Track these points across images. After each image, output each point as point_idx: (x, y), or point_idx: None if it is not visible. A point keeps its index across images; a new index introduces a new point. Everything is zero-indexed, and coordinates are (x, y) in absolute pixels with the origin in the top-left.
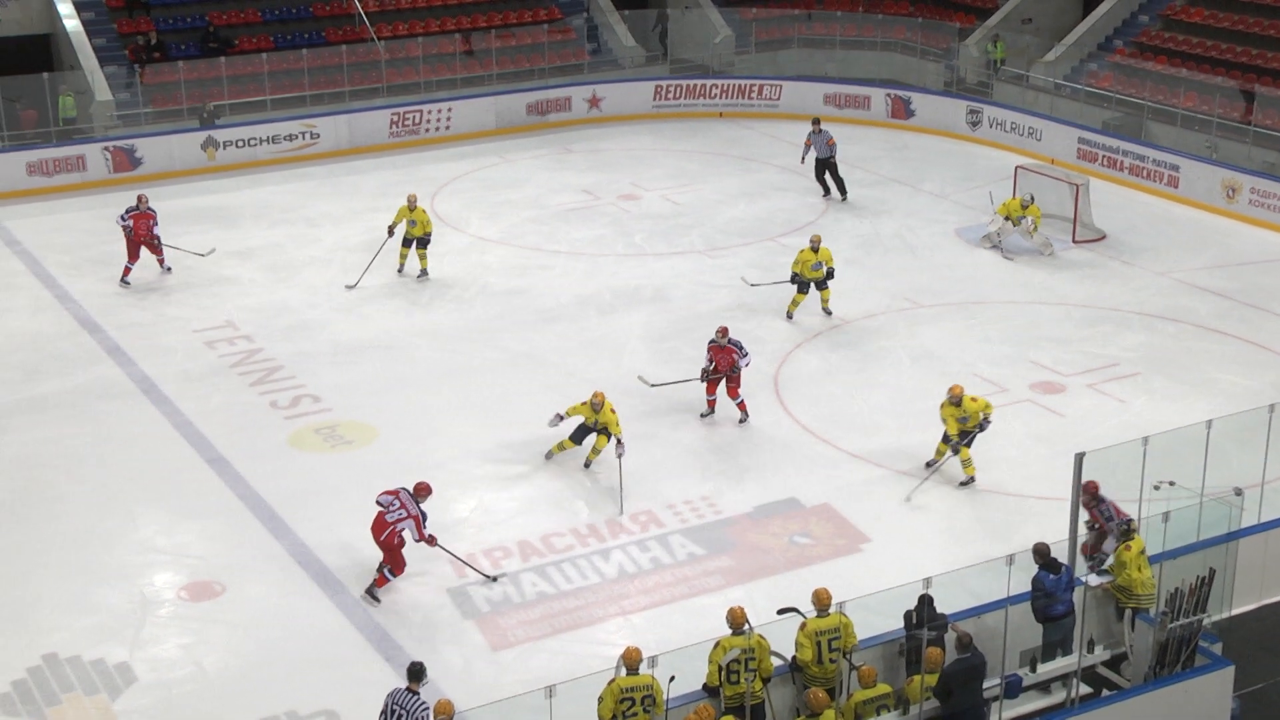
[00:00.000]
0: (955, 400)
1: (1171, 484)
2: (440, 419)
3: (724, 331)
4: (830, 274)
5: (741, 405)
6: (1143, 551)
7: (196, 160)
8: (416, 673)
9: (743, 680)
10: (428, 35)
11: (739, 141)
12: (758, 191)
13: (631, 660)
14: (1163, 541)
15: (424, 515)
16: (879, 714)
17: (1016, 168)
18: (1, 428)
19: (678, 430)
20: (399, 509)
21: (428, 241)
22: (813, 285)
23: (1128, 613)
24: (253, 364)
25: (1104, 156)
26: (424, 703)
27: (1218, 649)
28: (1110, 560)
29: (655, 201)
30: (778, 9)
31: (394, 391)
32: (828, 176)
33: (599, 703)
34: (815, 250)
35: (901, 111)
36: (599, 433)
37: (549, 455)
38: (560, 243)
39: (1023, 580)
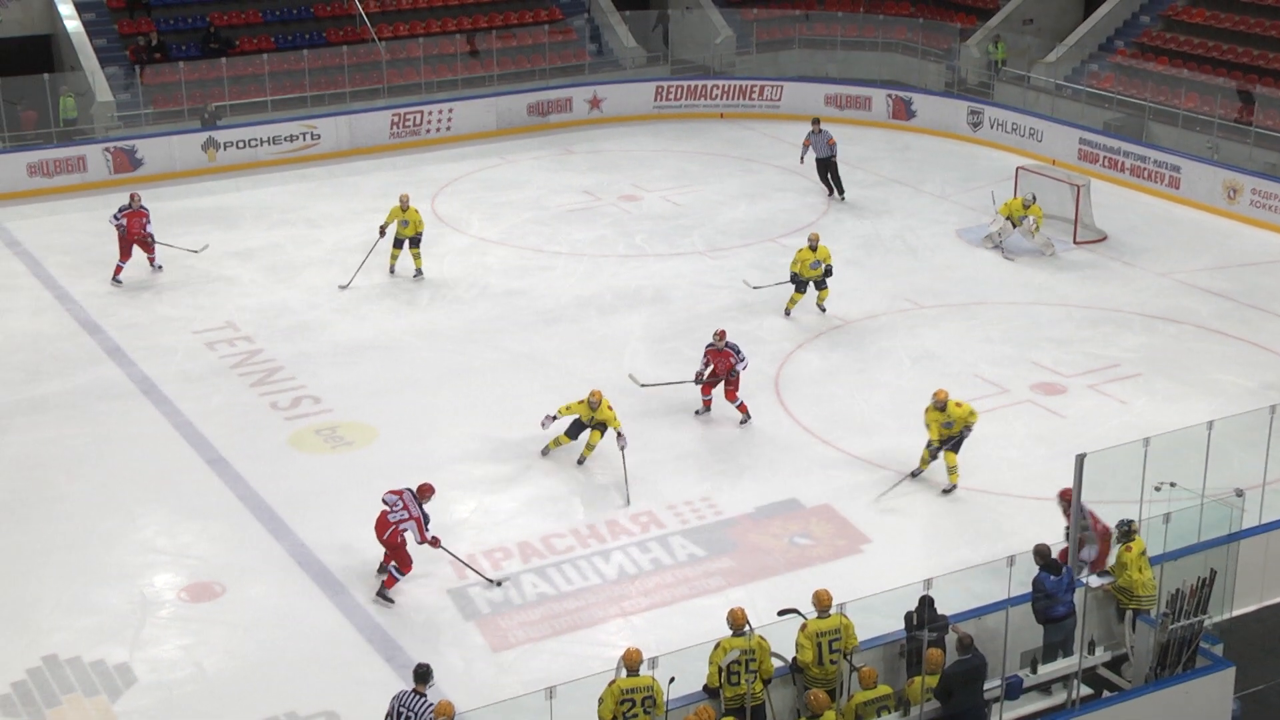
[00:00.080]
0: (940, 405)
1: (1172, 485)
2: (440, 420)
3: (721, 335)
4: (829, 272)
5: (742, 407)
6: (1144, 553)
7: (197, 161)
8: (423, 675)
9: (743, 681)
10: (429, 36)
11: (740, 142)
12: (758, 192)
13: (632, 661)
14: (1164, 542)
15: (426, 517)
16: (879, 715)
17: (1017, 169)
18: (2, 428)
19: (678, 431)
20: (401, 509)
21: (419, 241)
22: (811, 284)
23: (1129, 614)
24: (253, 365)
25: (1105, 157)
26: (432, 705)
27: (1219, 650)
28: (1085, 571)
29: (656, 202)
30: (778, 9)
31: (394, 392)
32: (829, 176)
33: (599, 704)
34: (813, 249)
35: (902, 112)
36: (593, 429)
37: (545, 452)
38: (561, 244)
39: (1023, 581)
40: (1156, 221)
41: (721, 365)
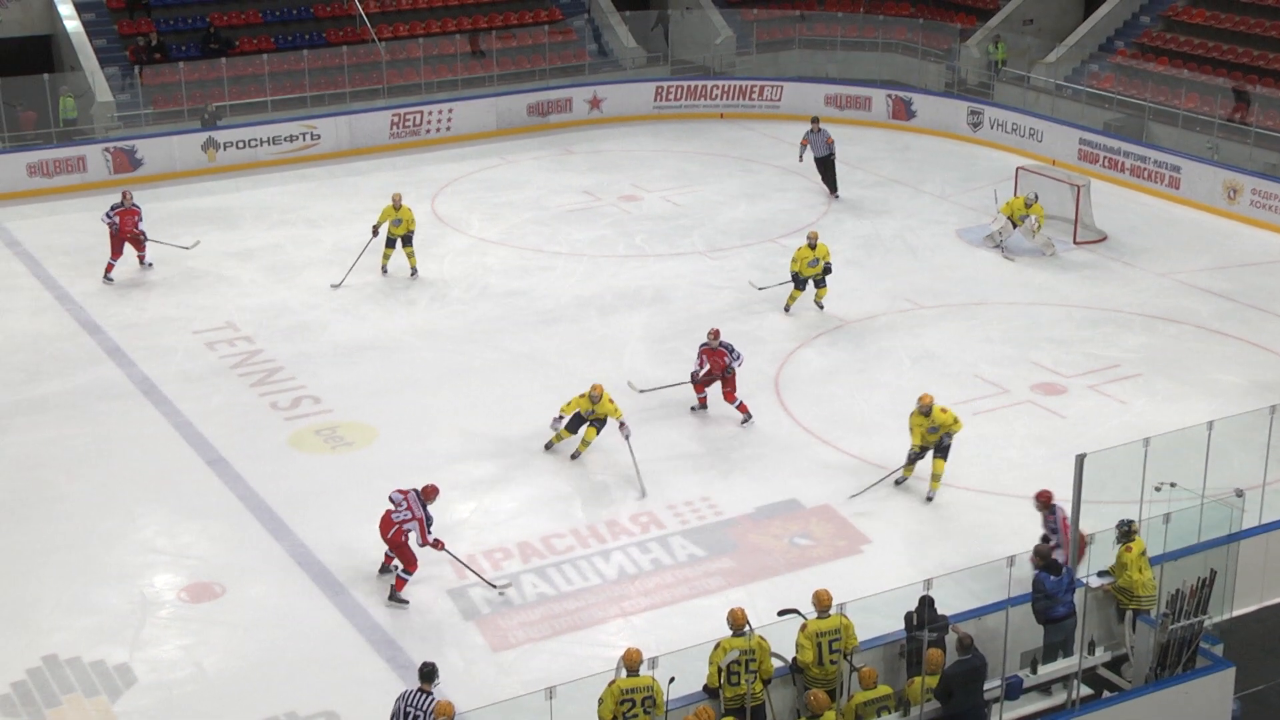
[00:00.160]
0: (925, 410)
1: (1173, 485)
2: (441, 420)
3: (715, 334)
4: (828, 270)
5: (741, 407)
6: (1144, 553)
7: (197, 161)
8: (428, 674)
9: (743, 682)
10: (429, 36)
11: (740, 142)
12: (758, 192)
13: (632, 661)
14: (1164, 543)
15: (430, 519)
16: (880, 715)
17: (1018, 169)
18: (2, 428)
19: (678, 431)
20: (405, 509)
21: (411, 239)
22: (810, 281)
23: (1129, 614)
24: (253, 365)
25: (1105, 157)
26: (435, 700)
27: (1219, 650)
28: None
29: (656, 202)
30: (778, 10)
31: (394, 392)
32: (825, 170)
33: (599, 704)
34: (813, 247)
35: (902, 112)
36: (590, 425)
37: (548, 446)
38: (561, 244)
39: (1023, 582)
40: (1156, 222)
41: (716, 364)
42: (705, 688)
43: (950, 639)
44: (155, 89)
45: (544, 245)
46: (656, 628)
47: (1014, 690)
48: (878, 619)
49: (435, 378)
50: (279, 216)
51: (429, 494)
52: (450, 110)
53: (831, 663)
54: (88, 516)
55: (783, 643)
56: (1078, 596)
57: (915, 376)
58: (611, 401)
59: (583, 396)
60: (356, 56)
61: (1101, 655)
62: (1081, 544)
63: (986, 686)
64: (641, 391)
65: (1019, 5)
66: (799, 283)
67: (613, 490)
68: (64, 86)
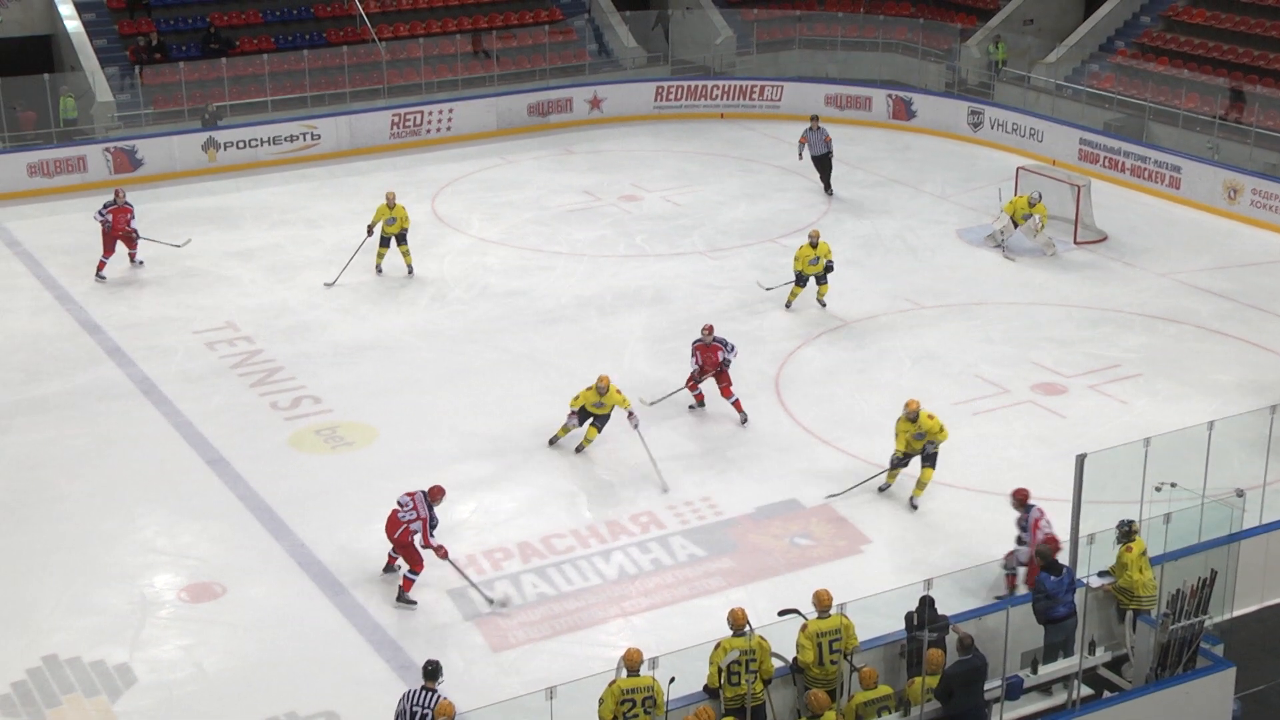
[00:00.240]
0: (911, 416)
1: (1173, 485)
2: (441, 420)
3: (709, 330)
4: (829, 268)
5: (737, 405)
6: (1144, 553)
7: (197, 161)
8: (432, 672)
9: (743, 682)
10: (429, 36)
11: (740, 142)
12: (759, 192)
13: (632, 661)
14: (1164, 543)
15: (435, 520)
16: (880, 715)
17: (1018, 169)
18: (2, 428)
19: (678, 431)
20: (411, 509)
21: (405, 237)
22: (812, 278)
23: (1129, 614)
24: (253, 365)
25: (1105, 157)
26: (442, 698)
27: (1219, 650)
28: (1022, 573)
29: (656, 202)
30: (779, 10)
31: (394, 392)
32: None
33: (600, 704)
34: (814, 246)
35: (903, 112)
36: (592, 423)
37: (552, 441)
38: (561, 244)
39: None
40: (1157, 222)
41: (710, 360)
42: (705, 688)
43: (951, 639)
44: (155, 89)
45: (544, 245)
46: (657, 628)
47: (1014, 690)
48: (878, 619)
49: (435, 378)
50: (279, 216)
51: (435, 495)
52: (450, 110)
53: (832, 663)
54: (88, 517)
55: (783, 643)
56: (1078, 597)
57: (915, 376)
58: (619, 393)
59: (590, 389)
60: (357, 56)
61: (1102, 655)
62: (1055, 546)
63: (987, 686)
64: (653, 403)
65: (1019, 5)
66: (800, 280)
67: (613, 490)
68: (64, 86)
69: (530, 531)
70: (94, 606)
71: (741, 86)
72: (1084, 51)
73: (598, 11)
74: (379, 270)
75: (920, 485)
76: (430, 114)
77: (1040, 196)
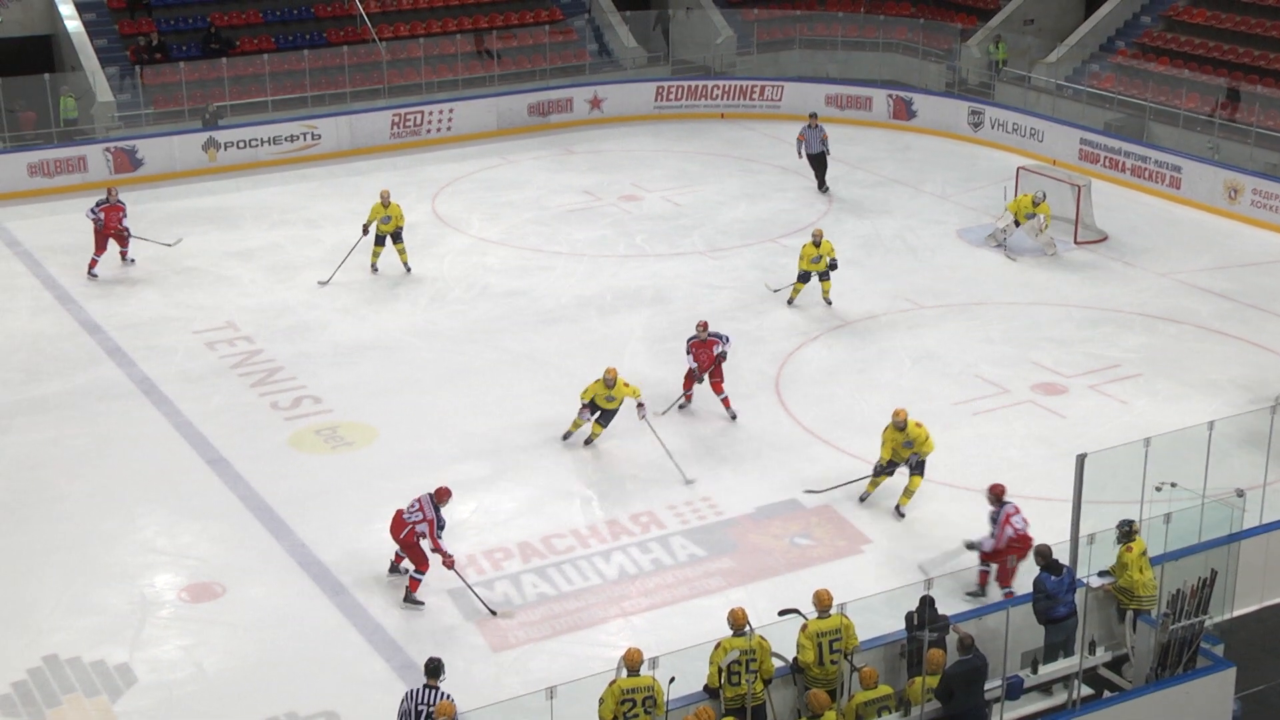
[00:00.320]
0: (900, 425)
1: (1173, 485)
2: (441, 420)
3: (704, 325)
4: (833, 265)
5: (725, 402)
6: (1144, 553)
7: (197, 161)
8: (434, 669)
9: (743, 682)
10: (429, 36)
11: (740, 142)
12: (759, 192)
13: (632, 661)
14: (1164, 543)
15: (442, 521)
16: (880, 715)
17: (1018, 169)
18: (2, 428)
19: (678, 431)
20: (417, 510)
21: (401, 235)
22: (816, 276)
23: (1129, 614)
24: (253, 365)
25: (1106, 157)
26: (446, 694)
27: (1219, 650)
28: (995, 569)
29: (656, 202)
30: (779, 10)
31: (394, 393)
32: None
33: (600, 704)
34: (817, 244)
35: (903, 112)
36: (599, 419)
37: (566, 436)
38: (561, 244)
39: (1024, 582)
40: (1157, 222)
41: (705, 357)
42: (706, 688)
43: (951, 639)
44: (156, 89)
45: (544, 245)
46: (657, 628)
47: (1015, 690)
48: (878, 619)
49: (435, 378)
50: (279, 216)
51: (441, 496)
52: (451, 110)
53: (832, 663)
54: (88, 517)
55: (783, 643)
56: (1078, 597)
57: (916, 376)
58: (627, 385)
59: (598, 381)
60: (357, 56)
61: (1102, 655)
62: (1023, 545)
63: (987, 686)
64: (663, 413)
65: (1020, 5)
66: (803, 277)
67: (613, 490)
68: (64, 86)
69: (530, 531)
70: (94, 606)
71: (742, 86)
72: (1084, 51)
73: (598, 11)
74: (374, 269)
75: (908, 493)
76: (430, 114)
77: (1044, 196)
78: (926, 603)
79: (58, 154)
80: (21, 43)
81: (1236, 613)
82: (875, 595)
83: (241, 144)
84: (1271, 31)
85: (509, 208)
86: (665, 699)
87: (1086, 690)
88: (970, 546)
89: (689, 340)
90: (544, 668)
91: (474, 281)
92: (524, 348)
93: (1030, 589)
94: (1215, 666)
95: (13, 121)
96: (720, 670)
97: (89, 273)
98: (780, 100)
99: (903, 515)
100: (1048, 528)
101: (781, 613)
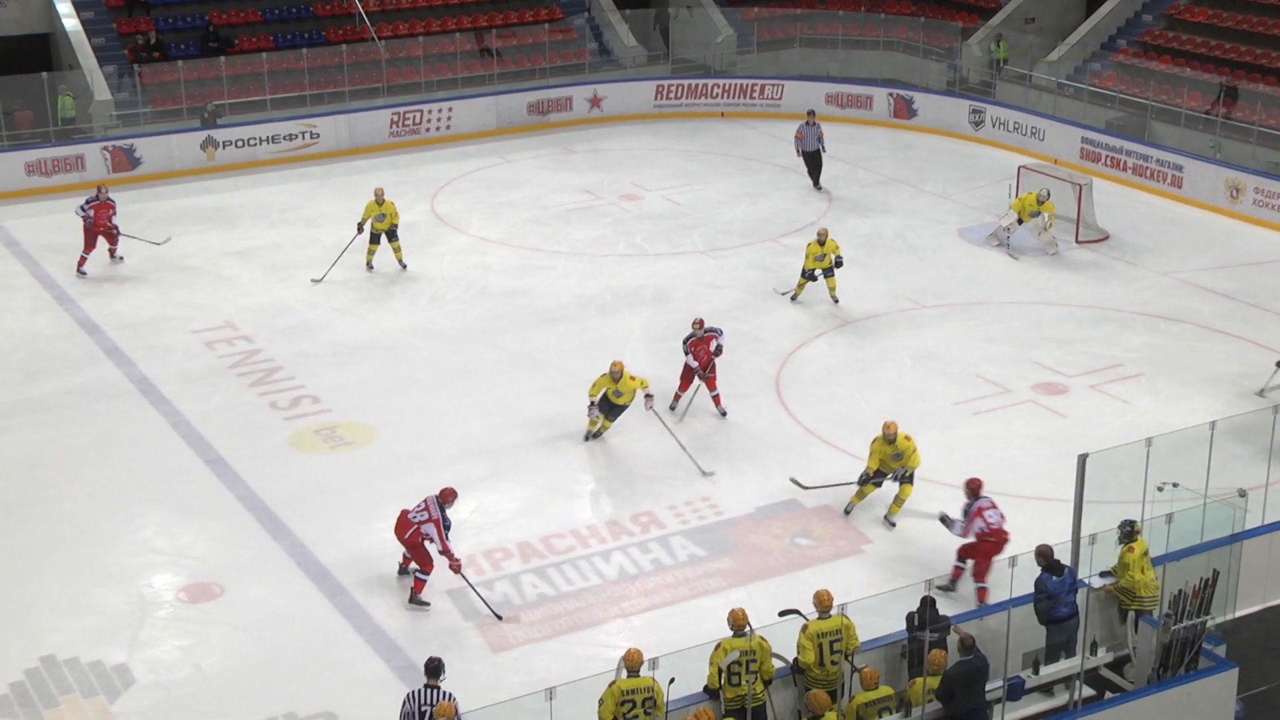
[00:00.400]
0: (890, 438)
1: (1175, 485)
2: (440, 420)
3: (700, 323)
4: (839, 262)
5: (717, 399)
6: (1146, 553)
7: (196, 160)
8: (434, 668)
9: (744, 682)
10: (428, 35)
11: (740, 141)
12: (759, 192)
13: (632, 662)
14: (1166, 543)
15: (448, 522)
16: (881, 716)
17: (1020, 168)
18: (1, 428)
19: (678, 430)
20: (423, 510)
21: (396, 233)
22: (820, 274)
23: (1131, 615)
24: (252, 364)
25: (1107, 156)
26: (448, 693)
27: (1221, 651)
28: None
29: (656, 202)
30: (779, 8)
31: (394, 392)
32: (811, 166)
33: (599, 704)
34: (822, 243)
35: (904, 111)
36: (606, 414)
37: (587, 437)
38: (561, 243)
39: (1025, 582)
40: (1159, 221)
41: (703, 353)
42: (706, 688)
43: (952, 640)
44: (154, 88)
45: (544, 244)
46: (657, 628)
47: (1016, 691)
48: (879, 619)
49: (435, 378)
50: (278, 216)
51: (446, 497)
52: (450, 109)
53: (833, 663)
54: (86, 517)
55: (784, 643)
56: (1080, 597)
57: (916, 376)
58: (634, 378)
59: (604, 376)
60: (356, 55)
61: (1104, 656)
62: (994, 542)
63: (988, 687)
64: (680, 420)
65: (1021, 3)
66: (809, 275)
67: (613, 490)
68: (62, 85)
69: (530, 531)
70: (92, 607)
71: (742, 85)
72: (1086, 50)
73: (597, 10)
74: (370, 267)
75: (898, 501)
76: (430, 113)
77: (1048, 194)
78: (927, 603)
79: (55, 153)
80: (19, 41)
81: (1239, 613)
82: (876, 596)
83: (240, 143)
84: (1273, 30)
85: (508, 207)
86: (665, 700)
87: (1088, 691)
88: (943, 520)
89: (688, 340)
90: (544, 668)
91: (474, 281)
92: (524, 347)
93: (1031, 589)
94: (1217, 667)
95: (10, 120)
96: (720, 671)
97: (78, 270)
98: (780, 99)
99: (893, 525)
100: (1049, 528)
101: (782, 613)
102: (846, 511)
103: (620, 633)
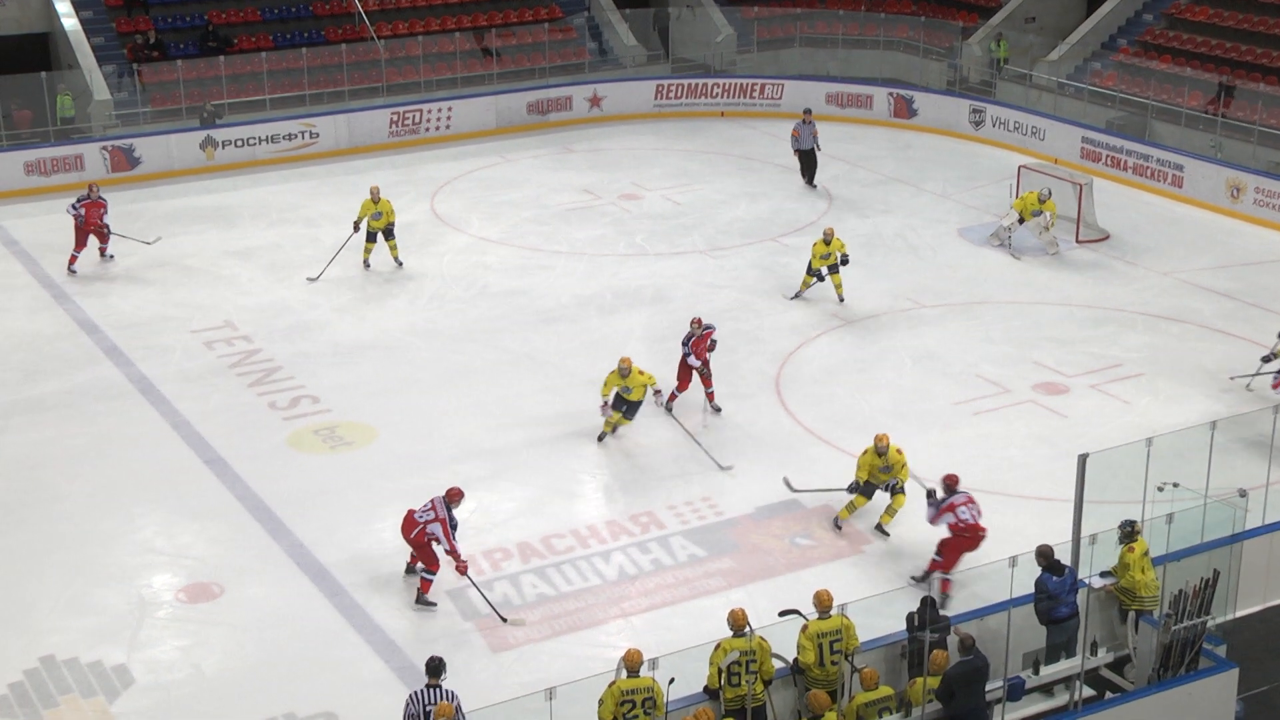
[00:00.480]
0: (881, 450)
1: (1175, 485)
2: (440, 420)
3: (698, 322)
4: (844, 260)
5: (711, 395)
6: (1146, 553)
7: (195, 160)
8: (435, 668)
9: (744, 682)
10: (428, 34)
11: (740, 141)
12: (759, 191)
13: (632, 662)
14: (1166, 543)
15: (454, 522)
16: (881, 716)
17: (1020, 167)
18: (0, 428)
19: (678, 430)
20: (429, 510)
21: (393, 232)
22: (826, 271)
23: (1131, 615)
24: (251, 364)
25: (1108, 156)
26: (450, 692)
27: (1222, 651)
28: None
29: (656, 201)
30: (779, 8)
31: (393, 392)
32: (806, 164)
33: (599, 705)
34: (827, 242)
35: (904, 111)
36: (622, 412)
37: (601, 438)
38: (561, 243)
39: (1026, 582)
40: (1159, 220)
41: (701, 350)
42: (705, 689)
43: (952, 640)
44: (153, 87)
45: (544, 244)
46: (657, 628)
47: (1016, 691)
48: (879, 619)
49: (435, 378)
50: (278, 215)
51: (453, 497)
52: (450, 109)
53: (833, 663)
54: (86, 517)
55: (783, 643)
56: (1080, 597)
57: (916, 376)
58: (643, 373)
59: (613, 373)
60: (355, 55)
61: (1104, 656)
62: (966, 535)
63: (988, 687)
64: (705, 424)
65: (1021, 3)
66: (814, 273)
67: (613, 490)
68: (61, 85)
69: (530, 531)
70: (92, 607)
71: (742, 85)
72: (1086, 49)
73: (597, 9)
74: (366, 265)
75: (890, 511)
76: (429, 112)
77: (1050, 193)
78: (927, 603)
79: (54, 152)
80: (18, 40)
81: (1239, 613)
82: (876, 596)
83: (239, 142)
84: (1274, 29)
85: (508, 207)
86: (665, 700)
87: (1088, 691)
88: (929, 497)
89: (690, 340)
90: (543, 668)
91: (473, 281)
92: (524, 347)
93: (1031, 589)
94: (1218, 667)
95: (9, 120)
96: (720, 671)
97: (68, 268)
98: (780, 99)
99: (887, 535)
100: (1049, 528)
101: (782, 613)
102: (837, 525)
103: (620, 633)
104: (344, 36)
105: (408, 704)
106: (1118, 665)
